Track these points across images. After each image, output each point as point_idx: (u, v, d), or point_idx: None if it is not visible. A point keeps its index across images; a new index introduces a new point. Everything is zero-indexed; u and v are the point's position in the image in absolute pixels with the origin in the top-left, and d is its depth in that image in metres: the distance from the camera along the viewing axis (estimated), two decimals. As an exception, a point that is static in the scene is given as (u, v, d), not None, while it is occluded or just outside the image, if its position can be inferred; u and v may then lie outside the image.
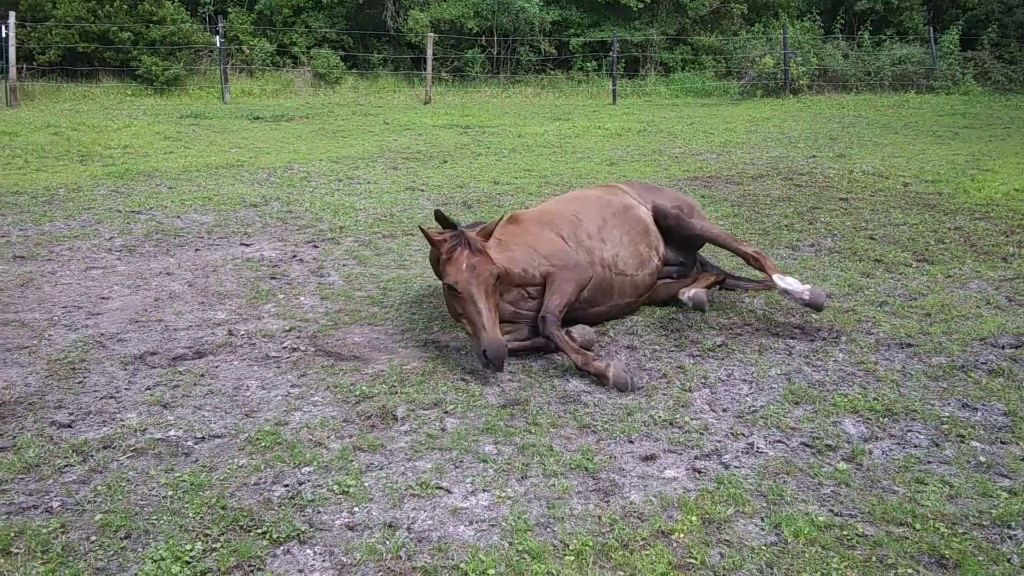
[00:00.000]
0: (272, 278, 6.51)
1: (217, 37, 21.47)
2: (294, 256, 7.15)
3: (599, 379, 4.56)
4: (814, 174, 11.02)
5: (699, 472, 3.66)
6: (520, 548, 3.08)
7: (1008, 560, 3.03)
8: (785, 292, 5.21)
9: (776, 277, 5.28)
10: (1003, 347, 5.06)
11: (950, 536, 3.16)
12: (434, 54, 23.35)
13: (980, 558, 3.03)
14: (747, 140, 14.61)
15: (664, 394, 4.46)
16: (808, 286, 5.17)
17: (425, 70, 22.92)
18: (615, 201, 5.80)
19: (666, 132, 15.88)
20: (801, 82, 22.58)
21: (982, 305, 5.83)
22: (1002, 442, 3.92)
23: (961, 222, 8.22)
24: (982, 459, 3.76)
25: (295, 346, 5.10)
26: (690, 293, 5.46)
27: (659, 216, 5.84)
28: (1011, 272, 6.60)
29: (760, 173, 11.16)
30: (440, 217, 4.82)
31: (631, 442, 3.93)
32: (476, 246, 4.71)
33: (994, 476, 3.62)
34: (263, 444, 3.85)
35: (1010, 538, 3.16)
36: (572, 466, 3.68)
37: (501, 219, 5.13)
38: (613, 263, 5.43)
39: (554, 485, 3.52)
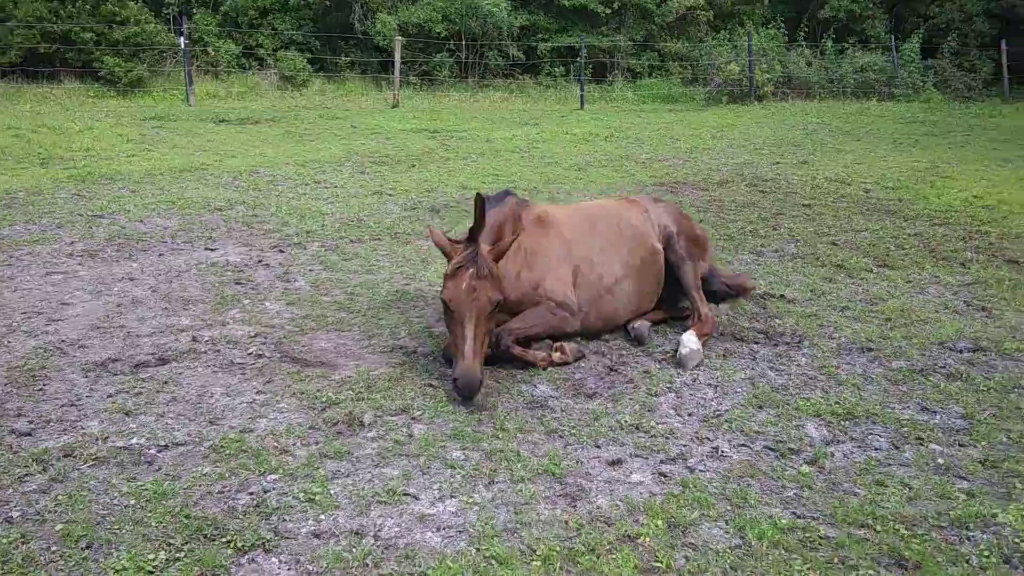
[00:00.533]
0: (237, 283, 6.45)
1: (181, 38, 21.22)
2: (260, 261, 7.09)
3: (563, 365, 4.89)
4: (778, 180, 11.16)
5: (665, 476, 3.69)
6: (487, 554, 3.08)
7: (967, 561, 3.09)
8: (678, 342, 5.11)
9: (687, 334, 5.12)
10: (961, 351, 5.16)
11: (910, 537, 3.22)
12: (402, 58, 23.28)
13: (939, 559, 3.09)
14: (713, 146, 14.77)
15: (631, 399, 4.49)
16: (695, 350, 4.98)
17: (393, 74, 22.84)
18: (648, 245, 5.58)
19: (633, 138, 15.99)
20: (766, 89, 22.88)
21: (941, 310, 5.95)
22: (960, 445, 4.00)
23: (921, 228, 8.37)
24: (941, 461, 3.83)
25: (260, 352, 5.06)
26: (635, 324, 5.40)
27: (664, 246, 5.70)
28: (969, 277, 6.74)
29: (726, 179, 11.28)
30: (479, 201, 4.60)
31: (598, 447, 3.95)
32: (485, 269, 4.55)
33: (952, 478, 3.69)
34: (227, 452, 3.81)
35: (969, 539, 3.23)
36: (539, 471, 3.70)
37: (514, 239, 4.82)
38: (612, 316, 5.39)
39: (521, 491, 3.53)
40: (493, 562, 3.04)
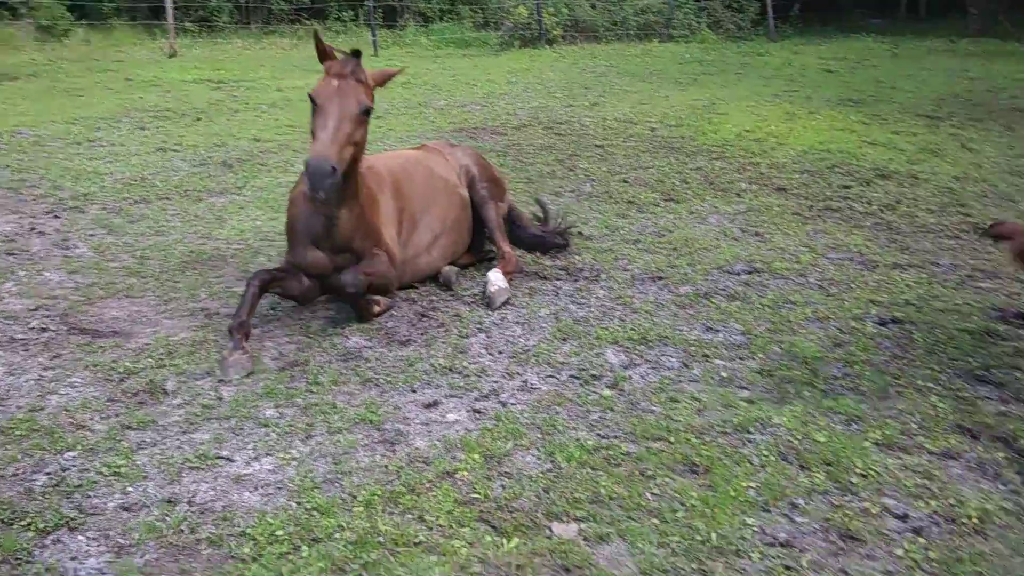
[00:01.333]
0: (9, 254, 5.92)
1: (-88, -17, 18.71)
2: (32, 228, 6.52)
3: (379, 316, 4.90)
4: (572, 123, 11.53)
5: (479, 412, 3.83)
6: (309, 506, 3.09)
7: (749, 461, 3.44)
8: (485, 281, 5.28)
9: (492, 272, 5.31)
10: (739, 274, 5.65)
11: (700, 445, 3.54)
12: (175, 3, 21.75)
13: (726, 462, 3.43)
14: (509, 91, 14.97)
15: (443, 342, 4.59)
16: (502, 288, 5.17)
17: (166, 20, 21.31)
18: (460, 197, 5.60)
19: (430, 84, 15.91)
20: (555, 32, 23.34)
21: (720, 237, 6.45)
22: (740, 358, 4.41)
23: (701, 163, 8.97)
24: (724, 375, 4.22)
25: (44, 326, 4.70)
26: (444, 269, 5.47)
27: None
28: (744, 206, 7.34)
29: (523, 123, 11.51)
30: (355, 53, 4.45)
31: (413, 391, 4.03)
32: (361, 76, 4.36)
33: (735, 389, 4.08)
34: (17, 433, 3.55)
35: (750, 442, 3.59)
36: (357, 421, 3.72)
37: (397, 73, 4.80)
38: (427, 272, 5.41)
39: (339, 441, 3.55)
40: (315, 513, 3.05)
